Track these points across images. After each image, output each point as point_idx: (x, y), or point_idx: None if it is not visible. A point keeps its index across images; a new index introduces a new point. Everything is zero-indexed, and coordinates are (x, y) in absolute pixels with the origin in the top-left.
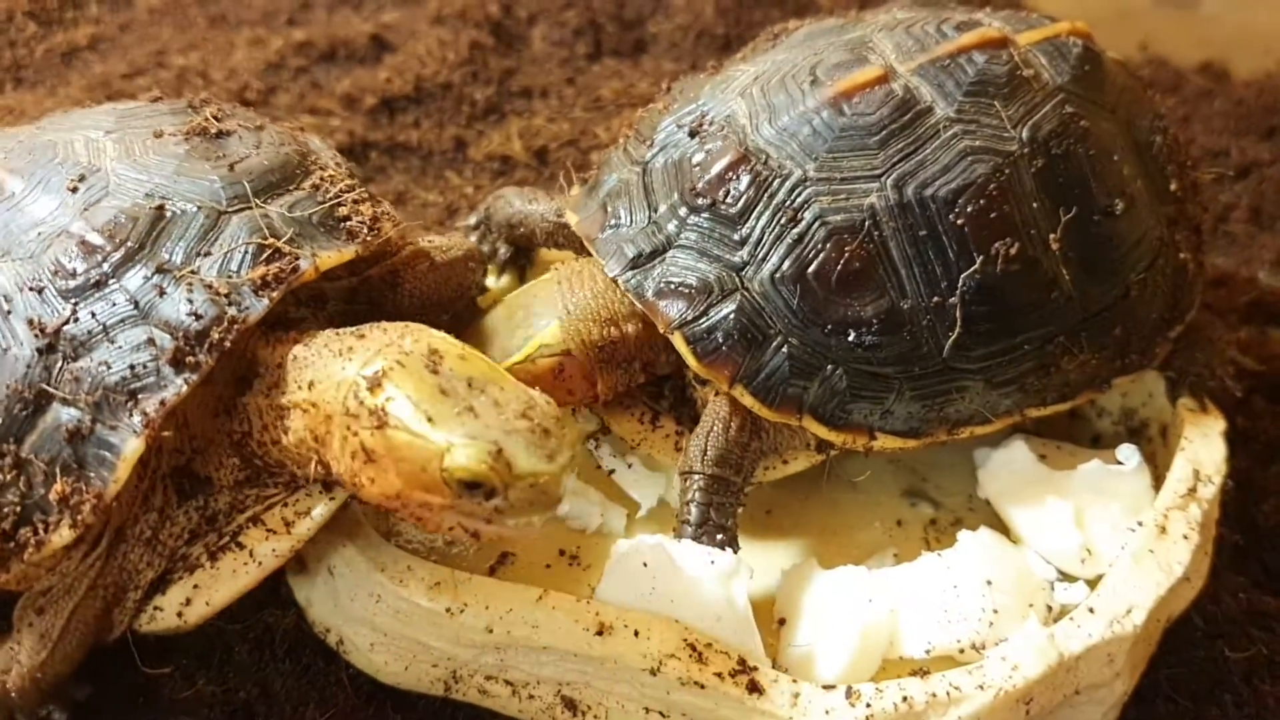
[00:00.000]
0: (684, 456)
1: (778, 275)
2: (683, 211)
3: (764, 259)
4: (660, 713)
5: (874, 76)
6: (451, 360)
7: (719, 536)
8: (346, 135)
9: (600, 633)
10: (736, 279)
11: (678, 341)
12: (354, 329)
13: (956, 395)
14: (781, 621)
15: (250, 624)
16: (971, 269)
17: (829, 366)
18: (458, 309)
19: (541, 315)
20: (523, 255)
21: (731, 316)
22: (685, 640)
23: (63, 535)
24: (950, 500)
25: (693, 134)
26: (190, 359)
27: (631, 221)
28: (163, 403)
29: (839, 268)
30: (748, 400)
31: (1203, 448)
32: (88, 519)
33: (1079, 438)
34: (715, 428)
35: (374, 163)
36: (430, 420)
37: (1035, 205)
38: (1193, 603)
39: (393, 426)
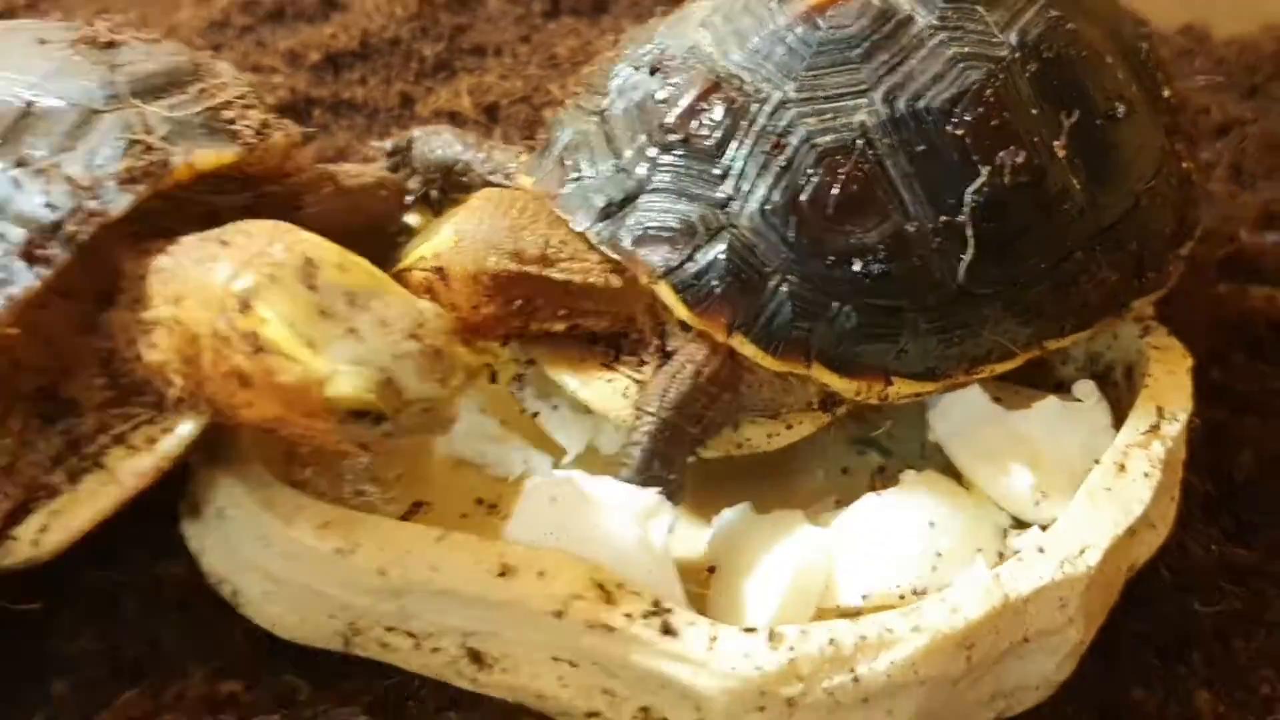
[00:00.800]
0: (642, 393)
1: (768, 207)
2: (652, 152)
3: (750, 191)
4: (569, 662)
5: None
6: (329, 271)
7: (658, 490)
8: (289, 92)
9: (504, 574)
10: (722, 216)
11: (664, 291)
12: (218, 232)
13: (975, 326)
14: (711, 569)
15: (140, 575)
16: (978, 182)
17: (835, 304)
18: (375, 246)
19: (442, 231)
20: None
21: (723, 258)
22: (593, 580)
23: None
24: (901, 449)
25: (653, 71)
26: (42, 252)
27: (596, 172)
28: (10, 298)
29: (835, 192)
30: (749, 349)
31: (1168, 385)
32: None
33: (1041, 385)
34: (684, 370)
35: (317, 120)
36: (310, 345)
37: (1035, 112)
38: (1159, 553)
39: (268, 351)
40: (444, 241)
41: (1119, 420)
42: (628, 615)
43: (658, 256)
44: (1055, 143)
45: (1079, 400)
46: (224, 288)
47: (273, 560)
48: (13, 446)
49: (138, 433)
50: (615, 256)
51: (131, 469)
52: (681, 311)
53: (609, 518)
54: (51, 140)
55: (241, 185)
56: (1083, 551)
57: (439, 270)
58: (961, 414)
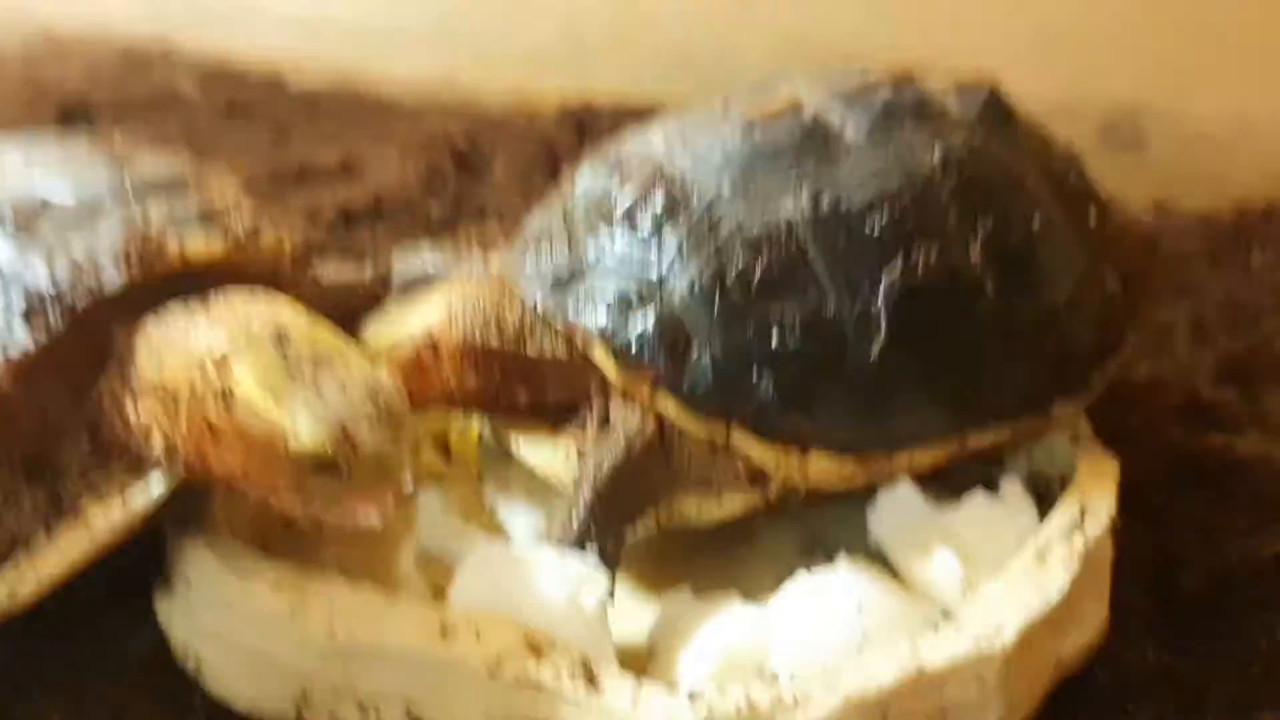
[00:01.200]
0: (579, 465)
1: (696, 284)
2: (601, 239)
3: (683, 271)
4: None
5: (783, 106)
6: (298, 340)
7: (592, 559)
8: (302, 243)
9: (444, 634)
10: (656, 290)
11: (598, 353)
12: (203, 303)
13: (891, 405)
14: (650, 654)
15: (111, 649)
16: (893, 274)
17: (755, 372)
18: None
19: (426, 306)
20: None
21: (652, 325)
22: (526, 639)
23: None
24: (849, 556)
25: (610, 172)
26: (39, 319)
27: (552, 256)
28: (8, 358)
29: (758, 273)
30: (672, 410)
31: (1092, 486)
32: None
33: None
34: (617, 444)
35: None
36: (277, 402)
37: (952, 219)
38: (1095, 660)
39: (239, 406)
40: (437, 317)
41: None
42: (555, 673)
43: (593, 323)
44: (971, 247)
45: (1004, 497)
46: (204, 349)
47: (232, 624)
48: None
49: (113, 487)
50: (558, 325)
51: (104, 520)
52: (611, 371)
53: (544, 583)
54: (61, 228)
55: (232, 281)
56: (998, 629)
57: (432, 344)
58: (895, 512)
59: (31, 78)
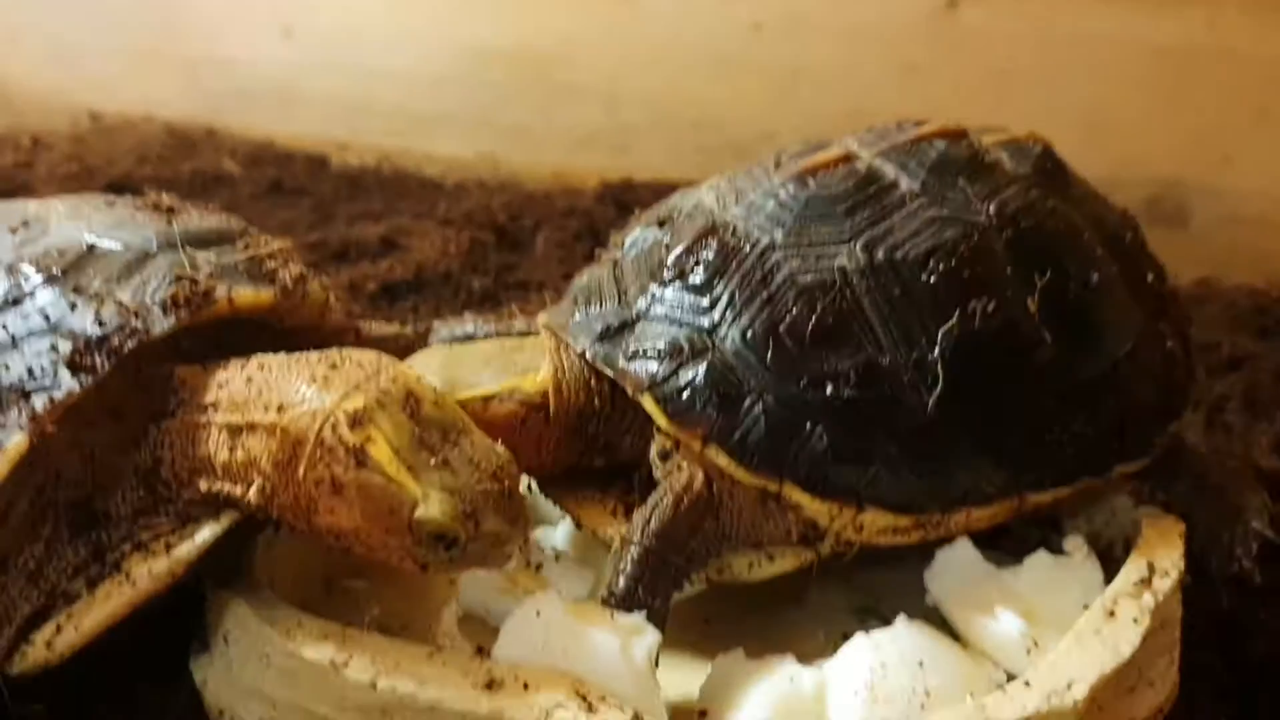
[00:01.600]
0: (629, 523)
1: (749, 334)
2: (652, 288)
3: (735, 319)
4: None
5: (837, 155)
6: (427, 406)
7: (642, 614)
8: (344, 315)
9: (489, 686)
10: (708, 339)
11: (647, 403)
12: (321, 354)
13: (947, 461)
14: (703, 714)
15: (147, 711)
16: (949, 324)
17: (808, 424)
18: None
19: (528, 362)
20: None
21: (703, 374)
22: (576, 691)
23: None
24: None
25: (661, 224)
26: (86, 361)
27: (601, 307)
28: (52, 400)
29: (812, 323)
30: (723, 460)
31: (1159, 545)
32: None
33: None
34: (665, 500)
35: None
36: (410, 468)
37: (1009, 270)
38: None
39: (370, 469)
40: (534, 379)
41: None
42: None
43: (644, 371)
44: (1028, 299)
45: (1068, 555)
46: (336, 404)
47: (271, 681)
48: (40, 551)
49: (157, 542)
50: (608, 373)
51: (145, 571)
52: (661, 421)
53: (593, 635)
54: (108, 274)
55: (274, 336)
56: (1069, 686)
57: (542, 405)
58: (955, 572)
59: (79, 158)
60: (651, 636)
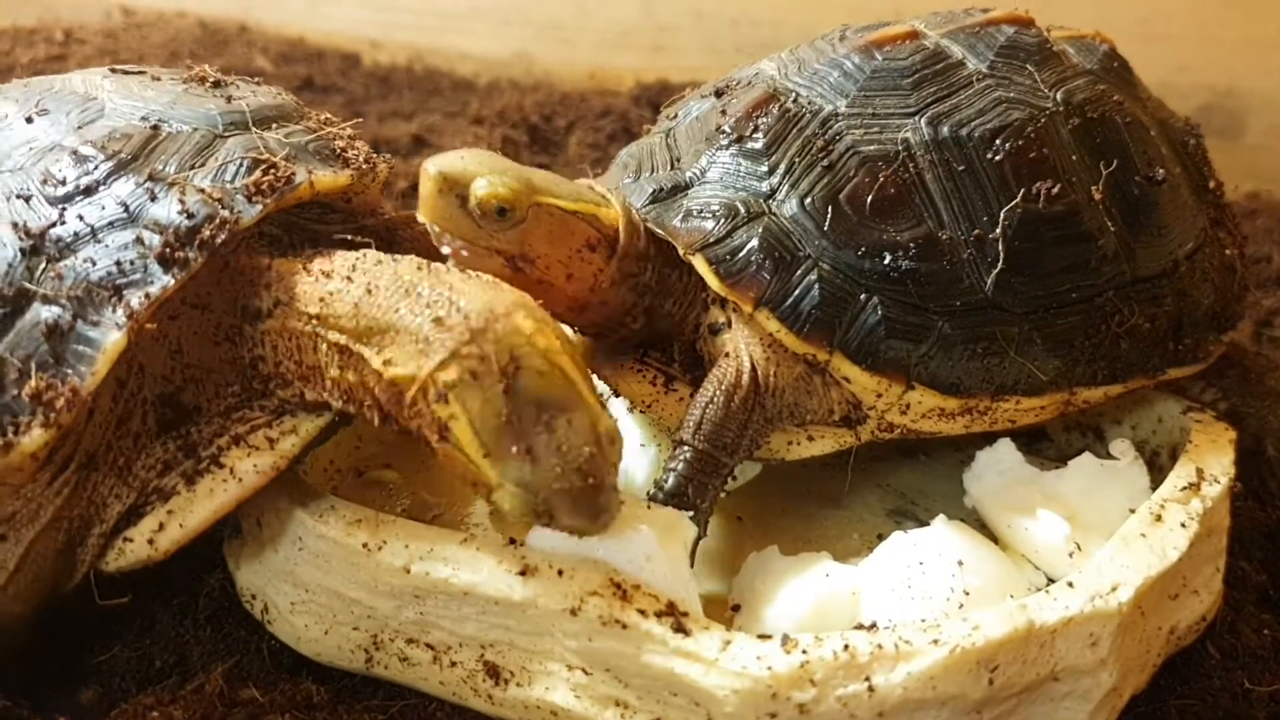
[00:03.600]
0: (681, 423)
1: (808, 200)
2: (707, 153)
3: (794, 185)
4: (583, 669)
5: (904, 32)
6: (528, 376)
7: (690, 515)
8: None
9: (524, 573)
10: (764, 204)
11: (699, 263)
12: (447, 278)
13: (1001, 343)
14: (736, 608)
15: (178, 591)
16: (1013, 203)
17: (863, 295)
18: None
19: (599, 199)
20: None
21: (757, 238)
22: (610, 579)
23: (34, 438)
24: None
25: (719, 94)
26: (179, 254)
27: (653, 172)
28: (148, 296)
29: (873, 193)
30: (773, 325)
31: (1209, 450)
32: (62, 418)
33: None
34: (716, 398)
35: None
36: (488, 455)
37: (1074, 158)
38: (1207, 632)
39: (451, 444)
40: (617, 212)
41: None
42: (641, 612)
43: (697, 231)
44: (1093, 187)
45: (1116, 459)
46: (432, 372)
47: (303, 564)
48: (129, 447)
49: (255, 435)
50: (659, 232)
51: (251, 467)
52: (713, 282)
53: (629, 526)
54: (181, 159)
55: (343, 218)
56: (1114, 589)
57: (613, 234)
58: (995, 474)
59: (111, 52)
60: (689, 530)
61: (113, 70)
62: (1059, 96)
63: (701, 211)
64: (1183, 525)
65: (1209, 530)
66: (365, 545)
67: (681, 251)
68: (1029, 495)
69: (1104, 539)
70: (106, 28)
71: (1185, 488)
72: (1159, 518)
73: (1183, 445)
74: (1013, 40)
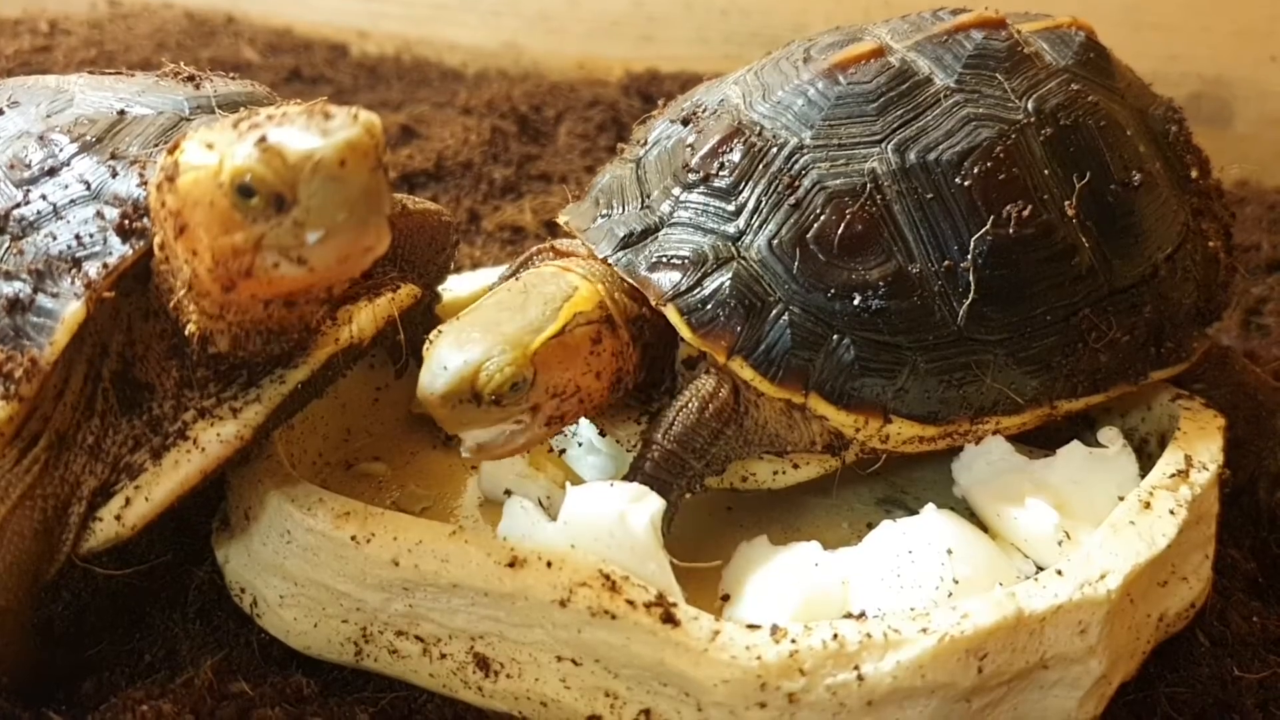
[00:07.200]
0: (652, 423)
1: (775, 241)
2: (675, 191)
3: (761, 226)
4: (573, 660)
5: (869, 50)
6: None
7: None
8: None
9: (513, 565)
10: (732, 248)
11: (671, 314)
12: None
13: (977, 371)
14: (725, 597)
15: (168, 585)
16: (982, 231)
17: (835, 336)
18: (431, 262)
19: (559, 289)
20: None
21: (728, 284)
22: (600, 571)
23: None
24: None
25: (685, 122)
26: (137, 225)
27: (624, 210)
28: (105, 266)
29: (840, 230)
30: (747, 373)
31: (1198, 438)
32: (23, 389)
33: None
34: (690, 404)
35: None
36: (209, 146)
37: (1046, 172)
38: (1197, 619)
39: (181, 170)
40: (584, 295)
41: None
42: (630, 603)
43: (667, 281)
44: (1066, 203)
45: (1104, 447)
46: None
47: (292, 557)
48: (97, 426)
49: (221, 407)
50: (631, 281)
51: (214, 436)
52: (686, 332)
53: (591, 504)
54: (145, 139)
55: None
56: (1103, 576)
57: (604, 313)
58: (984, 464)
59: (97, 43)
60: (654, 503)
61: (90, 73)
62: (1030, 106)
63: (671, 259)
64: (1171, 512)
65: (1198, 517)
66: (354, 538)
67: (653, 302)
68: (1018, 484)
69: (1093, 527)
70: (92, 19)
71: (1174, 475)
72: (1148, 505)
73: (1171, 432)
74: (981, 48)
